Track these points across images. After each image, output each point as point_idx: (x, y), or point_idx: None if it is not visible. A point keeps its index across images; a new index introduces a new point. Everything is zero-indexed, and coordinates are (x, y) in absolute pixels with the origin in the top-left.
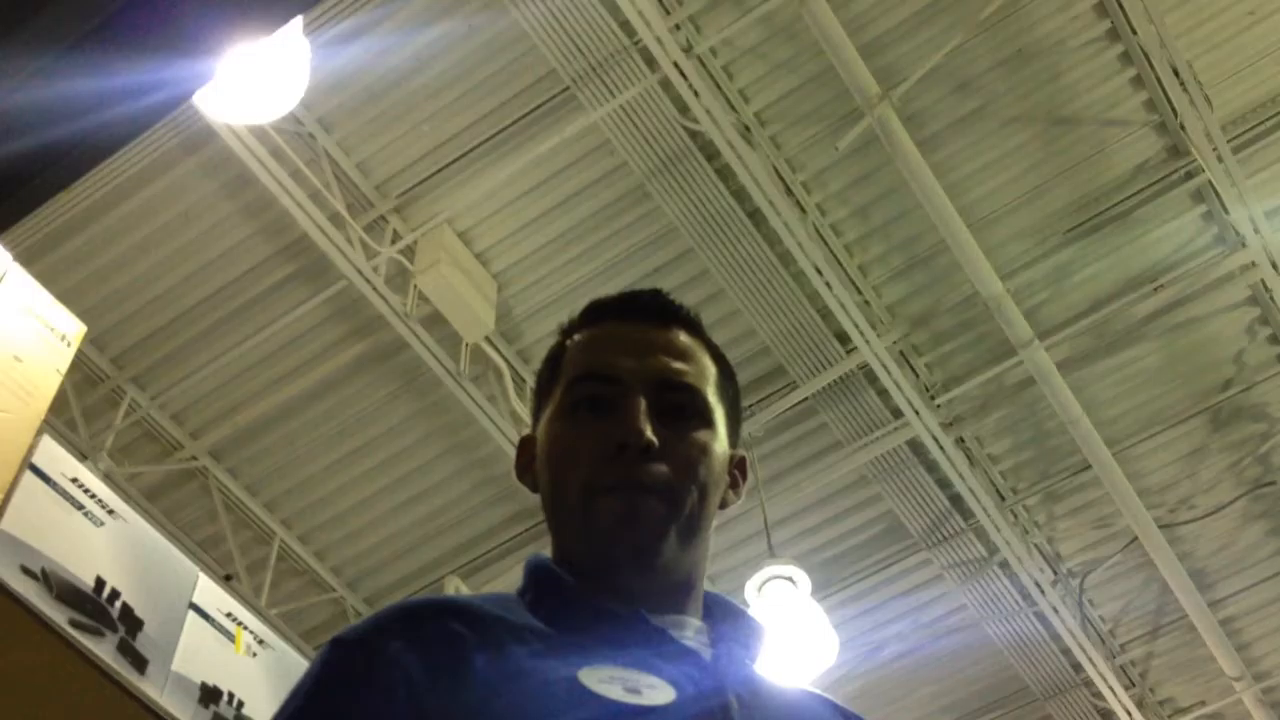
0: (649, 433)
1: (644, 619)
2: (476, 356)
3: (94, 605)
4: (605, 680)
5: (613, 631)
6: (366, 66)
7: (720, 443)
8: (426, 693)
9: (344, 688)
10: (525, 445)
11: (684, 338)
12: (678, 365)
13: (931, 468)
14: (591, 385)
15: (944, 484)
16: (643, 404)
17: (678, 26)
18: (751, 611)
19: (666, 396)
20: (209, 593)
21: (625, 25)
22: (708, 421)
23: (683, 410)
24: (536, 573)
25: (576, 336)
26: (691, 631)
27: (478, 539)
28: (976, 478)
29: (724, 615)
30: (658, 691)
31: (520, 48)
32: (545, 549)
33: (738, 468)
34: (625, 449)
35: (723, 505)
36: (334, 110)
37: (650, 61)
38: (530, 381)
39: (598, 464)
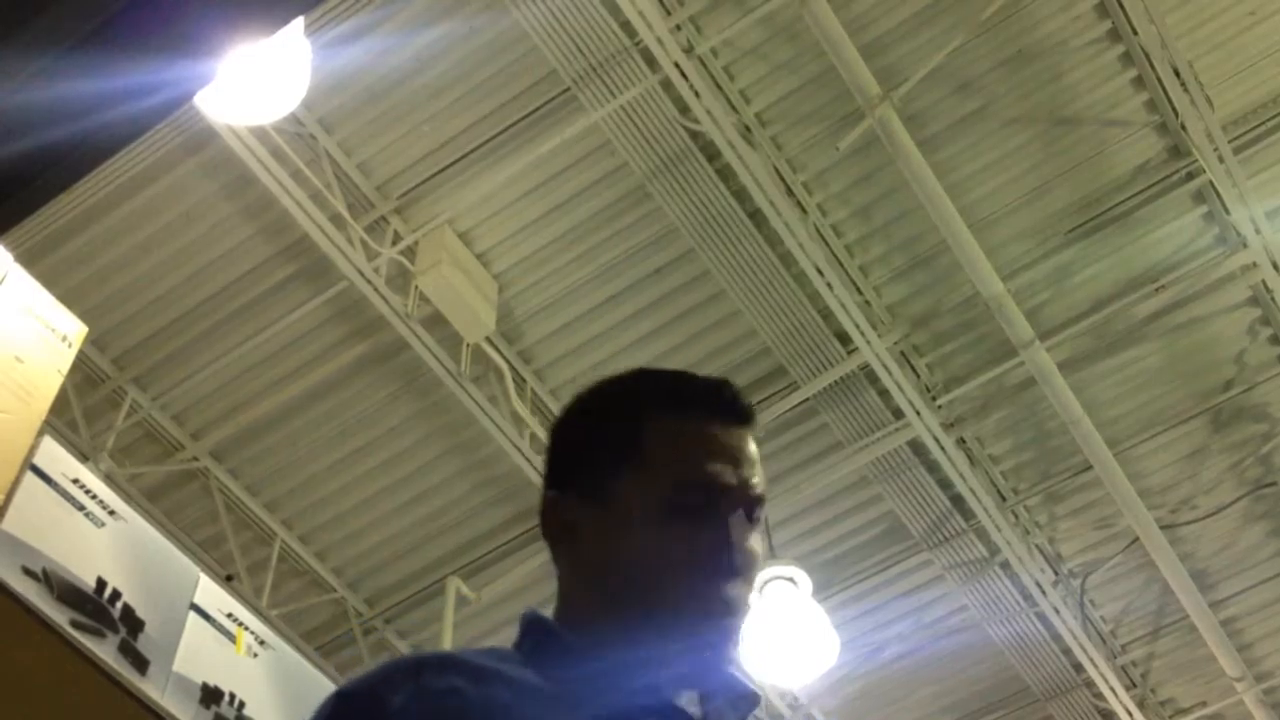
0: (746, 550)
1: (659, 693)
2: (477, 357)
3: (95, 606)
4: None
5: (607, 691)
6: (367, 67)
7: None
8: None
9: None
10: (560, 508)
11: (754, 442)
12: (759, 480)
13: (932, 468)
14: (699, 495)
15: (945, 484)
16: (743, 523)
17: (678, 27)
18: (742, 675)
19: (754, 513)
20: (210, 593)
21: (626, 26)
22: (760, 525)
23: (756, 520)
24: (536, 631)
25: (659, 418)
26: (685, 695)
27: (479, 539)
28: (977, 478)
29: (724, 686)
30: None
31: (521, 48)
32: (545, 551)
33: None
34: (736, 574)
35: None
36: (335, 111)
37: (651, 62)
38: (531, 382)
39: (706, 579)
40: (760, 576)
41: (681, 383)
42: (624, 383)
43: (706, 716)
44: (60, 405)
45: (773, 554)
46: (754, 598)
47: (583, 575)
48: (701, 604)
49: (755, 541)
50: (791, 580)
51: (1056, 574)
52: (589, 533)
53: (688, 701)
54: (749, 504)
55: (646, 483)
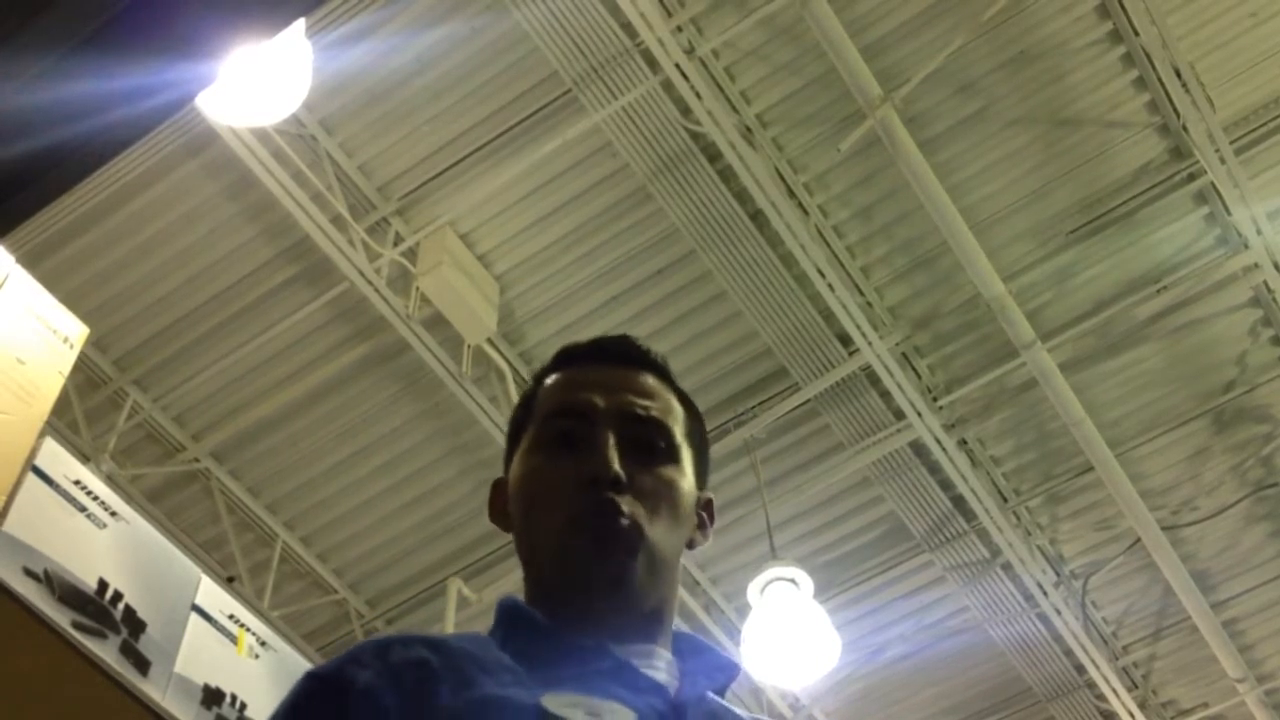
0: (616, 465)
1: (610, 652)
2: (479, 358)
3: (96, 607)
4: (568, 706)
5: (579, 664)
6: (369, 69)
7: (687, 481)
8: (390, 710)
9: (305, 714)
10: (498, 488)
11: (652, 380)
12: (645, 402)
13: (934, 469)
14: (561, 421)
15: (946, 486)
16: (611, 439)
17: (680, 28)
18: (721, 649)
19: (634, 431)
20: (211, 594)
21: (627, 27)
22: (674, 459)
23: (650, 446)
24: (506, 612)
25: (548, 380)
26: (662, 664)
27: (480, 541)
28: (979, 479)
29: (693, 651)
30: (618, 717)
31: (522, 50)
32: None
33: (705, 509)
34: (596, 482)
35: (690, 545)
36: (336, 112)
37: (652, 63)
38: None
39: (571, 497)
40: (762, 577)
41: (574, 344)
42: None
43: (682, 690)
44: (62, 406)
45: (774, 555)
46: (660, 514)
47: (517, 544)
48: (567, 522)
49: (648, 462)
50: (793, 581)
51: (1058, 575)
52: (511, 502)
53: (666, 675)
54: (620, 421)
55: (531, 430)
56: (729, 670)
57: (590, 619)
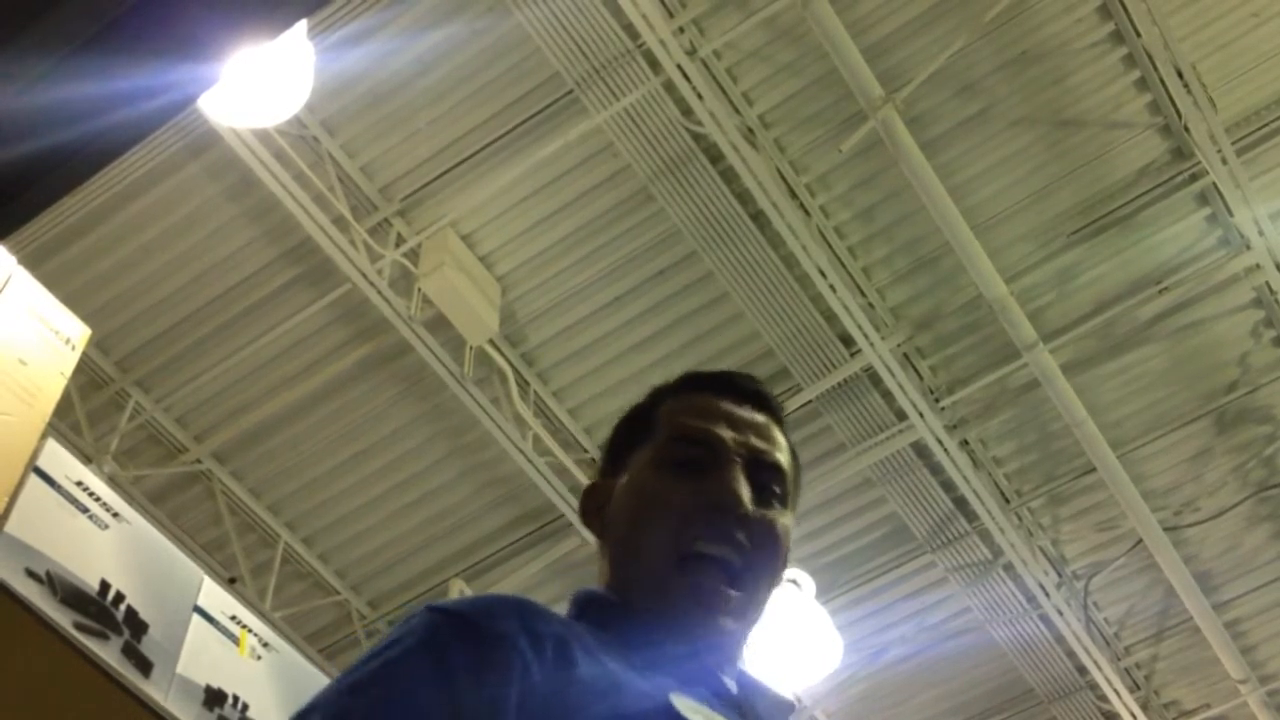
0: (748, 501)
1: (712, 670)
2: (480, 359)
3: (98, 608)
4: (693, 711)
5: (684, 671)
6: (370, 70)
7: (791, 528)
8: (538, 682)
9: (452, 655)
10: (593, 492)
11: (774, 425)
12: (769, 447)
13: (936, 470)
14: (690, 447)
15: (948, 487)
16: (741, 474)
17: (681, 29)
18: (776, 689)
19: (760, 475)
20: (213, 596)
21: (629, 28)
22: (785, 505)
23: (770, 491)
24: (595, 604)
25: (671, 401)
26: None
27: (482, 542)
28: (981, 480)
29: (753, 688)
30: None
31: (524, 51)
32: (548, 553)
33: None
34: (723, 511)
35: (772, 589)
36: (338, 113)
37: (654, 64)
38: (534, 385)
39: (693, 519)
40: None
41: (701, 372)
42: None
43: (740, 705)
44: (64, 408)
45: None
46: (771, 559)
47: (612, 549)
48: (681, 544)
49: (764, 509)
50: (795, 582)
51: (1060, 576)
52: (617, 504)
53: (731, 686)
54: (747, 461)
55: (651, 448)
56: (787, 710)
57: (678, 641)
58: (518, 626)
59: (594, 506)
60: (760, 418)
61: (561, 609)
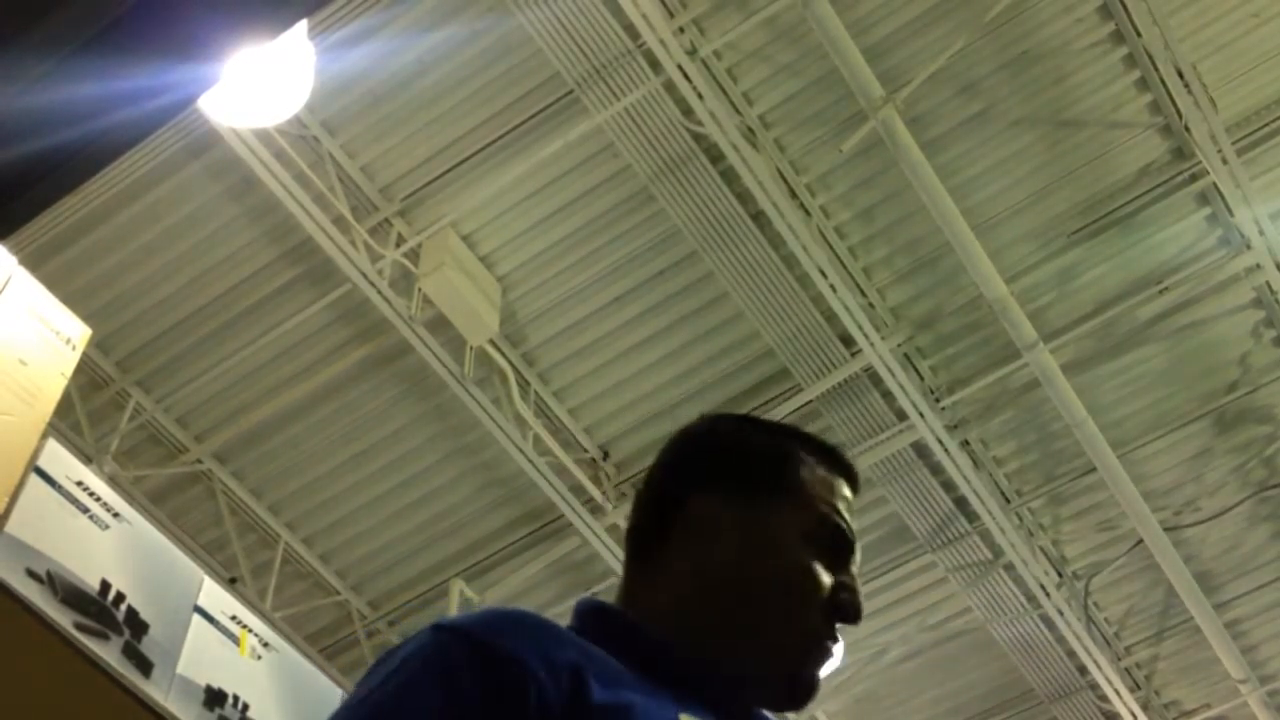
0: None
1: (739, 700)
2: (481, 360)
3: (99, 608)
4: None
5: (699, 692)
6: (371, 70)
7: None
8: (553, 703)
9: (463, 682)
10: (685, 504)
11: None
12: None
13: (936, 470)
14: (840, 535)
15: (949, 486)
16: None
17: (682, 29)
18: None
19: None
20: (214, 596)
21: (629, 28)
22: None
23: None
24: (604, 620)
25: (806, 467)
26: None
27: (482, 542)
28: (981, 480)
29: None
30: None
31: (524, 51)
32: (549, 553)
33: None
34: (853, 619)
35: None
36: (338, 114)
37: (654, 64)
38: (534, 385)
39: (833, 615)
40: None
41: (829, 444)
42: (761, 422)
43: None
44: (64, 408)
45: None
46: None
47: (704, 572)
48: (809, 636)
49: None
50: None
51: (1060, 576)
52: (730, 536)
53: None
54: (854, 559)
55: (795, 510)
56: None
57: (736, 678)
58: (534, 652)
59: (700, 520)
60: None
61: (562, 613)
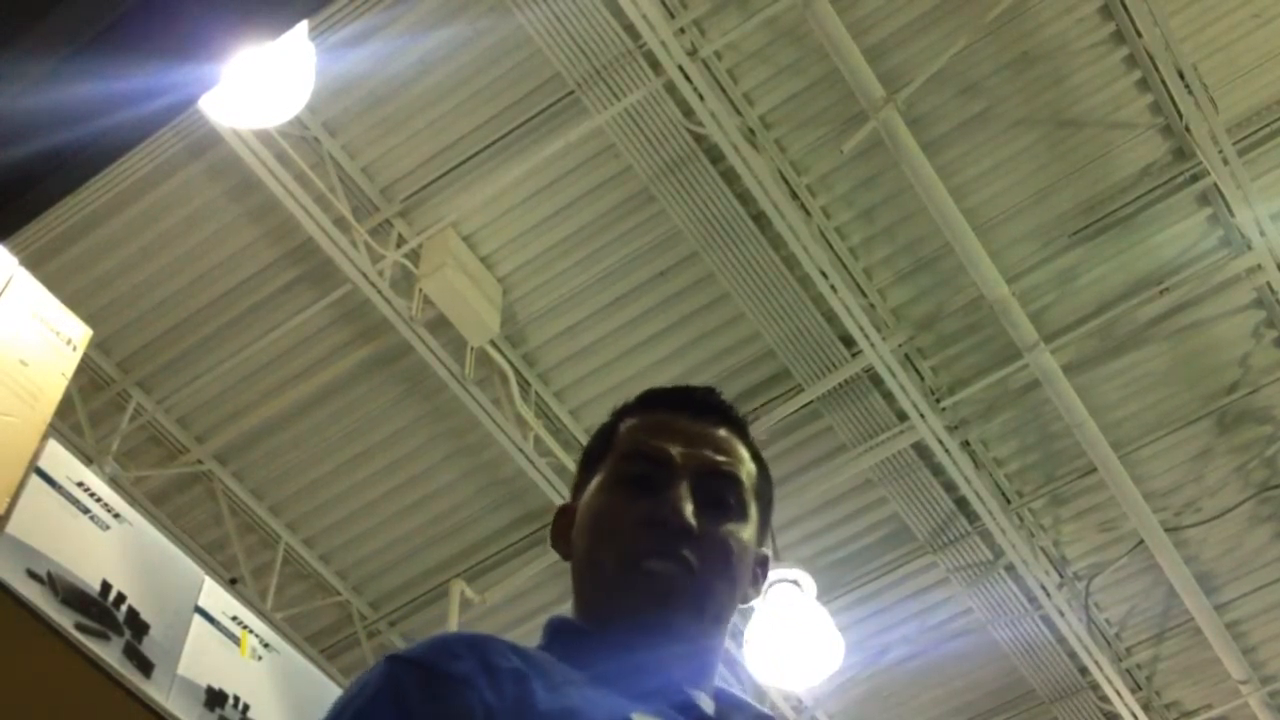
0: (690, 516)
1: (679, 685)
2: (481, 360)
3: (100, 609)
4: None
5: (648, 688)
6: (371, 71)
7: (751, 539)
8: (497, 712)
9: (412, 704)
10: (563, 514)
11: (732, 436)
12: (723, 458)
13: (937, 471)
14: (639, 464)
15: (950, 487)
16: (686, 489)
17: (682, 30)
18: (760, 707)
19: (709, 485)
20: (214, 596)
21: (630, 29)
22: (743, 516)
23: (722, 502)
24: (563, 630)
25: (629, 419)
26: (708, 709)
27: (483, 542)
28: (982, 481)
29: (733, 704)
30: None
31: (525, 52)
32: (549, 554)
33: (760, 566)
34: (665, 527)
35: (743, 601)
36: (339, 114)
37: (655, 65)
38: (535, 385)
39: (638, 538)
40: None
41: (658, 389)
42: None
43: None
44: (65, 409)
45: (777, 557)
46: (722, 569)
47: (575, 571)
48: (626, 560)
49: (718, 518)
50: (796, 583)
51: (1061, 576)
52: (576, 531)
53: (703, 701)
54: (697, 474)
55: (608, 468)
56: None
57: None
58: (475, 665)
59: (562, 528)
60: (719, 431)
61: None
